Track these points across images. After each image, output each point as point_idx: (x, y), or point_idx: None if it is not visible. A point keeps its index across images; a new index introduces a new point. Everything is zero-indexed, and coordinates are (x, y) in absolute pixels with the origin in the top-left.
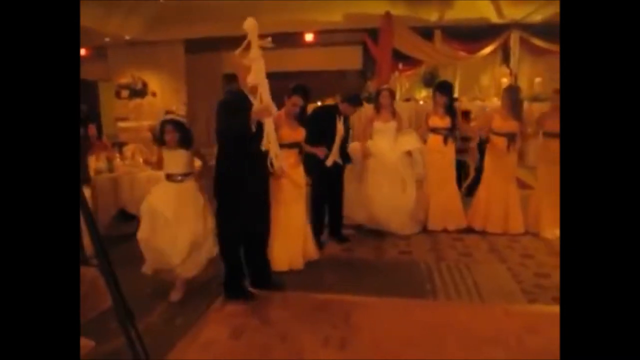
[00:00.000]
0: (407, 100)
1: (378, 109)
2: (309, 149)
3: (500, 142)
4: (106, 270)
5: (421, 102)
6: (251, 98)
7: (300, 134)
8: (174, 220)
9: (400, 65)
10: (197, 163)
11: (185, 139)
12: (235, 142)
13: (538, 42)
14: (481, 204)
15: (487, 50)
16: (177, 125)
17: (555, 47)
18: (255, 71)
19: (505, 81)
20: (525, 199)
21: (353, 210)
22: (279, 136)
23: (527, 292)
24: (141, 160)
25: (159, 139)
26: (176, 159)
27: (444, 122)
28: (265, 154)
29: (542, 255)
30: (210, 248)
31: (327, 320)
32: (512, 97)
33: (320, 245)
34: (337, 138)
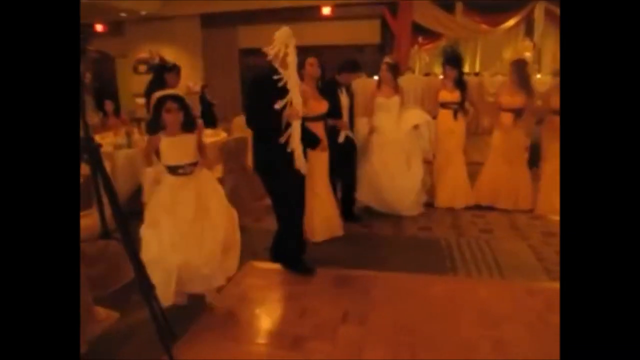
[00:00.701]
0: (427, 74)
1: (379, 83)
2: (332, 121)
3: (507, 117)
4: (128, 244)
5: (441, 77)
6: (281, 72)
7: (324, 105)
8: (195, 221)
9: (420, 39)
10: (222, 135)
11: (190, 120)
12: (265, 130)
13: None
14: (487, 181)
15: (510, 23)
16: (180, 102)
17: None
18: (288, 77)
19: (528, 55)
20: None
21: (360, 190)
22: (306, 108)
23: (549, 270)
24: None
25: (153, 124)
26: (183, 146)
27: (453, 96)
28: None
29: None
30: (238, 244)
31: (346, 295)
32: (520, 71)
33: None
34: (344, 112)
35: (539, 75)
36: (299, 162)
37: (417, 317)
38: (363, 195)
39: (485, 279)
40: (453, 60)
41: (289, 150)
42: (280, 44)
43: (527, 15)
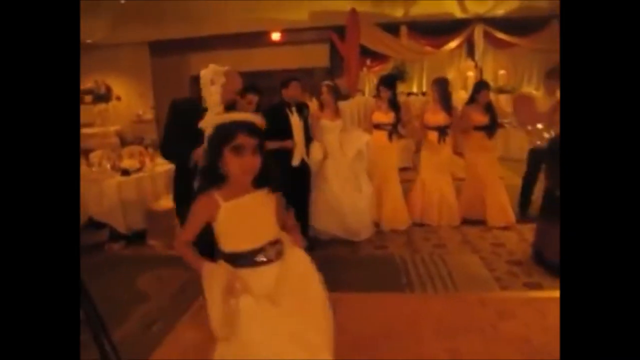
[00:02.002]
0: (376, 96)
1: (322, 106)
2: (274, 144)
3: (432, 135)
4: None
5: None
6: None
7: None
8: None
9: (368, 62)
10: None
11: (269, 168)
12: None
13: (501, 35)
14: (417, 198)
15: (453, 44)
16: (258, 135)
17: (517, 40)
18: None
19: (470, 74)
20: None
21: (317, 218)
22: None
23: (499, 279)
24: (109, 166)
25: (212, 173)
26: (259, 214)
27: (387, 117)
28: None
29: (513, 244)
30: None
31: None
32: (441, 90)
33: None
34: (295, 132)
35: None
36: None
37: (376, 336)
38: (321, 222)
39: (440, 292)
40: (387, 81)
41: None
42: (206, 82)
43: (468, 37)
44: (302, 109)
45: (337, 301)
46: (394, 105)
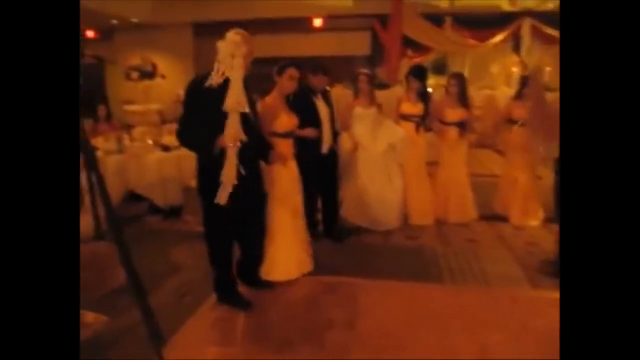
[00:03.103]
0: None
1: (357, 94)
2: (298, 132)
3: (452, 131)
4: (121, 245)
5: (430, 90)
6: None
7: (295, 121)
8: None
9: (410, 52)
10: None
11: None
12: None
13: (550, 31)
14: (441, 195)
15: (498, 38)
16: None
17: None
18: (231, 94)
19: (515, 70)
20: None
21: (347, 208)
22: (275, 125)
23: (532, 278)
24: (151, 142)
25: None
26: None
27: (416, 108)
28: (256, 144)
29: (548, 243)
30: None
31: (334, 302)
32: (460, 85)
33: (316, 239)
34: (324, 120)
35: None
36: (221, 195)
37: (403, 324)
38: (350, 213)
39: (471, 287)
40: (417, 72)
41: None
42: (225, 58)
43: (515, 32)
44: (326, 95)
45: (365, 288)
46: (424, 97)
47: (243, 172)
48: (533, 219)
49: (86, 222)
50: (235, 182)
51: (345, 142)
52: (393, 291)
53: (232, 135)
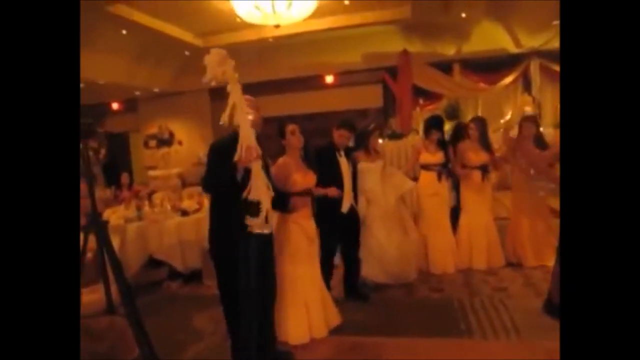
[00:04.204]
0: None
1: (367, 150)
2: (318, 190)
3: (475, 175)
4: (133, 319)
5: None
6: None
7: (312, 178)
8: None
9: (421, 101)
10: None
11: None
12: (222, 194)
13: (558, 68)
14: (465, 241)
15: (508, 80)
16: None
17: None
18: (231, 108)
19: (528, 109)
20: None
21: (366, 266)
22: (289, 184)
23: None
24: (169, 207)
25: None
26: None
27: (436, 157)
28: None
29: None
30: None
31: None
32: (480, 128)
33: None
34: (345, 177)
35: (541, 129)
36: (265, 219)
37: None
38: (370, 272)
39: (502, 339)
40: (434, 122)
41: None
42: (213, 68)
43: (524, 72)
44: (349, 153)
45: (391, 346)
46: (443, 144)
47: (271, 188)
48: (547, 260)
49: (98, 296)
50: (269, 200)
51: (362, 203)
52: (419, 349)
53: (249, 149)
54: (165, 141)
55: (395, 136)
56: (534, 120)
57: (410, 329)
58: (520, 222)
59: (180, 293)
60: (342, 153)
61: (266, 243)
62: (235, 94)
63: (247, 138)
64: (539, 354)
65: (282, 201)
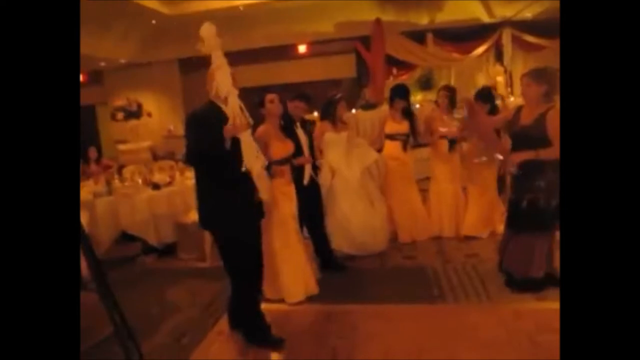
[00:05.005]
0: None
1: (333, 121)
2: (296, 161)
3: (443, 144)
4: (104, 294)
5: (417, 106)
6: (224, 109)
7: (291, 147)
8: None
9: (395, 70)
10: None
11: None
12: (209, 164)
13: (530, 38)
14: (434, 209)
15: (480, 50)
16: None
17: (546, 42)
18: (220, 80)
19: (500, 79)
20: None
21: (334, 239)
22: (269, 153)
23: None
24: (140, 181)
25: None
26: None
27: (402, 127)
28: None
29: None
30: None
31: (333, 331)
32: (449, 97)
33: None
34: (304, 149)
35: (512, 98)
36: (260, 184)
37: (407, 349)
38: (338, 244)
39: (474, 304)
40: (399, 91)
41: (243, 187)
42: (211, 39)
43: (496, 42)
44: (306, 124)
45: (366, 314)
46: (408, 114)
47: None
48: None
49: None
50: (262, 170)
51: (325, 174)
52: (394, 315)
53: (239, 120)
54: (134, 113)
55: (368, 106)
56: (487, 94)
57: (384, 297)
58: (469, 190)
59: (155, 267)
60: (299, 124)
61: (258, 209)
62: (223, 65)
63: (236, 108)
64: (508, 315)
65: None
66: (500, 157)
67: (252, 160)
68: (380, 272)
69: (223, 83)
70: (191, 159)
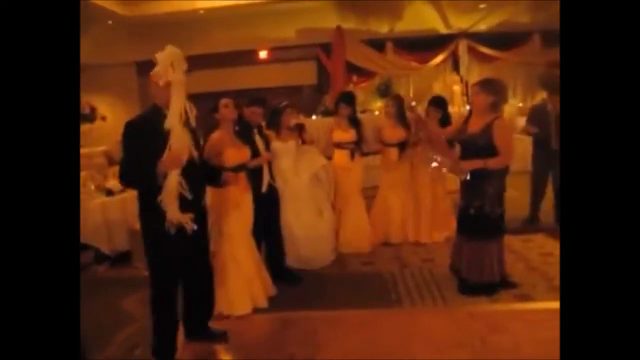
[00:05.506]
0: (363, 112)
1: (278, 129)
2: (251, 162)
3: (392, 152)
4: None
5: (377, 113)
6: (166, 112)
7: (246, 153)
8: None
9: (355, 78)
10: None
11: None
12: (141, 188)
13: (485, 49)
14: (379, 216)
15: (438, 59)
16: None
17: (500, 54)
18: (171, 113)
19: (456, 88)
20: None
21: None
22: (223, 159)
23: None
24: (93, 187)
25: None
26: None
27: (348, 135)
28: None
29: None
30: None
31: (292, 338)
32: (397, 106)
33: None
34: (263, 155)
35: (467, 107)
36: (170, 218)
37: (366, 354)
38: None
39: (429, 307)
40: (345, 98)
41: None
42: (166, 65)
43: (453, 52)
44: (261, 131)
45: (324, 319)
46: (355, 122)
47: (188, 196)
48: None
49: None
50: (177, 208)
51: (278, 181)
52: (352, 320)
53: (176, 155)
54: (87, 117)
55: (328, 113)
56: (440, 102)
57: (342, 302)
58: (420, 198)
59: (108, 276)
60: (256, 131)
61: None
62: (179, 100)
63: (177, 145)
64: (462, 317)
65: (215, 177)
66: (449, 162)
67: (170, 198)
68: (338, 277)
69: (173, 114)
70: (122, 179)
